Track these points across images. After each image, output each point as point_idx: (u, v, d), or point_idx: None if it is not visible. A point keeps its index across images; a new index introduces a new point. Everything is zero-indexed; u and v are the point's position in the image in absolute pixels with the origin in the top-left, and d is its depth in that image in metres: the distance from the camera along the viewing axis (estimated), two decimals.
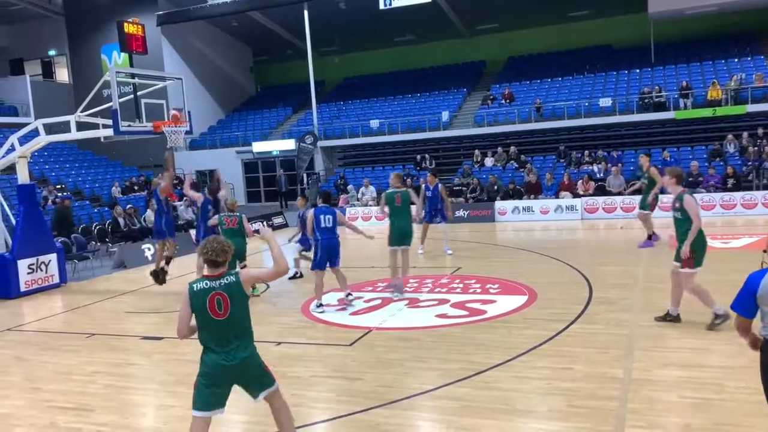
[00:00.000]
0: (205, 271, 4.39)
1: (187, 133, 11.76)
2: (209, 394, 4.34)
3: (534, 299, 9.36)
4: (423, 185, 14.54)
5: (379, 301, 9.82)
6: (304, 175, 28.38)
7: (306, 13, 27.63)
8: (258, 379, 4.49)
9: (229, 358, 4.30)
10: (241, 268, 11.18)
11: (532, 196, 19.61)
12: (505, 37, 31.49)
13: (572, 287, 9.97)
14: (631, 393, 5.79)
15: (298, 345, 7.90)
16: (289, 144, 28.65)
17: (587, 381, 6.12)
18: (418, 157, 26.05)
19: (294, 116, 32.72)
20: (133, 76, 11.65)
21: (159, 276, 11.77)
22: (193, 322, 4.40)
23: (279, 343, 7.96)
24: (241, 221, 10.72)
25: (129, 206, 18.26)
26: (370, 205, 21.52)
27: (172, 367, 7.38)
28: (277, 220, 21.19)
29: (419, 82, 31.67)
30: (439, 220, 13.92)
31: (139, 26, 11.48)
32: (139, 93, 11.75)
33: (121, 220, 16.91)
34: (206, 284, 4.31)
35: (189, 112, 12.36)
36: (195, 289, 4.31)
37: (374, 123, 28.05)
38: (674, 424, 5.19)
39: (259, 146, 29.47)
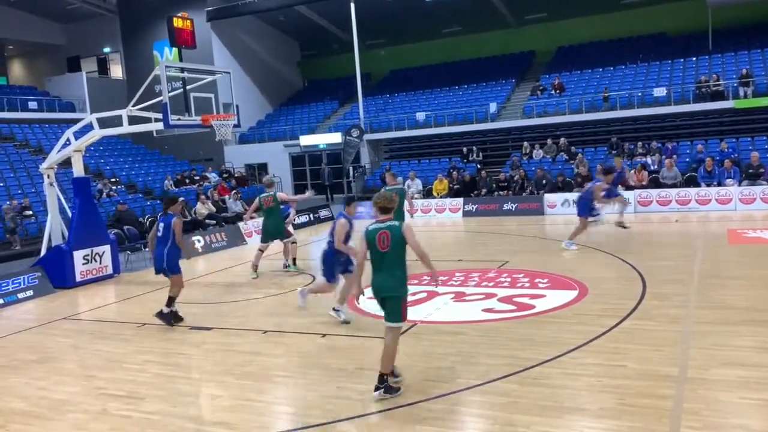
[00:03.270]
0: (376, 216, 5.97)
1: (235, 126, 11.89)
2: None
3: (585, 294, 9.11)
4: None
5: (425, 294, 9.73)
6: (350, 169, 28.47)
7: (352, 5, 27.62)
8: (389, 308, 5.88)
9: (380, 281, 5.86)
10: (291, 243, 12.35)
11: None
12: (555, 26, 30.82)
13: (625, 282, 9.68)
14: (686, 392, 5.56)
15: (343, 337, 7.90)
16: (336, 137, 28.76)
17: (640, 379, 5.91)
18: (465, 149, 25.79)
19: (340, 110, 32.83)
20: (182, 70, 11.84)
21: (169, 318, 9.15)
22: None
23: (324, 335, 7.97)
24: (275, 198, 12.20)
25: (180, 199, 18.62)
26: (416, 198, 21.39)
27: (220, 358, 7.48)
28: (323, 213, 21.30)
29: (466, 73, 31.33)
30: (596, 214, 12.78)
31: (188, 21, 11.66)
32: (189, 87, 11.93)
33: None
34: (376, 226, 5.84)
35: (237, 105, 12.50)
36: (369, 229, 5.85)
37: (420, 115, 27.88)
38: (733, 425, 4.95)
39: (306, 140, 29.69)
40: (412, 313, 8.65)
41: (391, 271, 5.81)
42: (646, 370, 6.10)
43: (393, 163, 26.84)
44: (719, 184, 17.55)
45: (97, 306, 11.04)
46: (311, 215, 20.33)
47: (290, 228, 13.16)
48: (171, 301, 9.08)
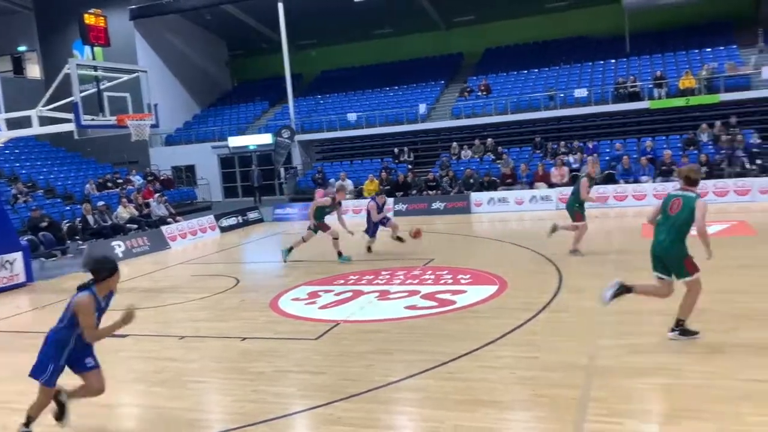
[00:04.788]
0: (681, 185, 6.47)
1: (153, 126, 11.53)
2: (654, 264, 6.51)
3: (504, 289, 9.31)
4: None
5: (350, 294, 9.71)
6: (282, 170, 28.20)
7: (280, 5, 27.36)
8: (674, 268, 6.36)
9: (656, 241, 6.41)
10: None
11: (507, 184, 19.63)
12: (482, 29, 31.46)
13: (543, 276, 9.94)
14: (595, 381, 5.74)
15: (264, 340, 7.77)
16: (266, 138, 28.41)
17: (552, 370, 6.06)
18: (396, 149, 25.97)
19: (271, 110, 32.46)
20: (95, 69, 11.39)
21: None
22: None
23: (244, 339, 7.83)
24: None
25: (101, 203, 17.95)
26: (347, 199, 21.32)
27: (134, 365, 7.23)
28: (252, 215, 20.94)
29: (397, 74, 31.55)
30: None
31: (101, 18, 11.21)
32: (106, 86, 11.48)
33: (90, 218, 16.61)
34: (678, 193, 6.41)
35: (156, 105, 12.15)
36: (670, 194, 6.48)
37: (352, 116, 27.89)
38: (635, 410, 5.13)
39: (235, 141, 29.19)
40: (335, 314, 8.67)
41: (669, 234, 6.30)
42: (558, 361, 6.27)
43: (325, 164, 26.72)
44: (635, 181, 18.34)
45: (7, 316, 10.47)
46: (239, 217, 19.97)
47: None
48: None
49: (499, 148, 23.91)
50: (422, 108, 27.08)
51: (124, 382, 6.69)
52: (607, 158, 20.83)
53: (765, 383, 5.35)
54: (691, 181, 6.39)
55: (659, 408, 5.22)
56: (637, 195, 17.79)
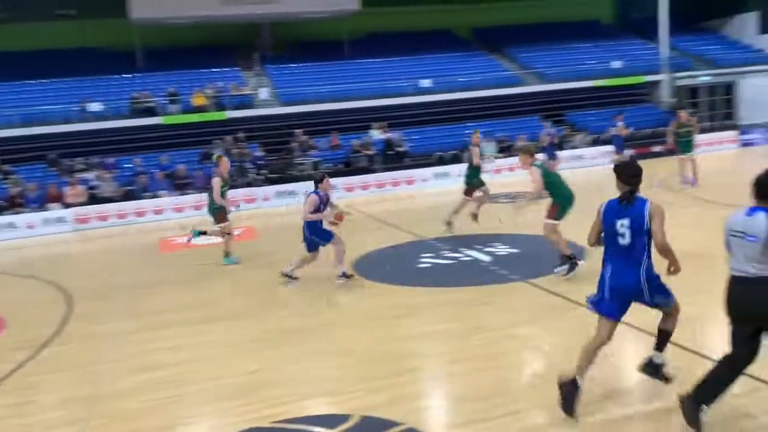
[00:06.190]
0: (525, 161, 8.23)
1: None
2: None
3: (1, 329, 8.34)
4: None
5: None
6: None
7: None
8: None
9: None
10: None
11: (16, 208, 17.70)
12: None
13: (50, 306, 9.30)
14: (97, 409, 5.64)
15: None
16: None
17: (53, 410, 5.76)
18: None
19: None
20: None
21: None
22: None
23: None
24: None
25: None
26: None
27: None
28: None
29: None
30: None
31: None
32: None
33: None
34: (539, 162, 8.34)
35: None
36: (539, 164, 8.24)
37: None
38: (130, 428, 5.26)
39: None
40: None
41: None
42: (59, 399, 6.00)
43: None
44: (155, 196, 18.73)
45: None
46: None
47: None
48: None
49: (7, 166, 21.26)
50: None
51: None
52: (128, 174, 20.68)
53: (249, 375, 6.14)
54: (533, 155, 8.33)
55: (153, 424, 5.34)
56: (156, 209, 18.19)
